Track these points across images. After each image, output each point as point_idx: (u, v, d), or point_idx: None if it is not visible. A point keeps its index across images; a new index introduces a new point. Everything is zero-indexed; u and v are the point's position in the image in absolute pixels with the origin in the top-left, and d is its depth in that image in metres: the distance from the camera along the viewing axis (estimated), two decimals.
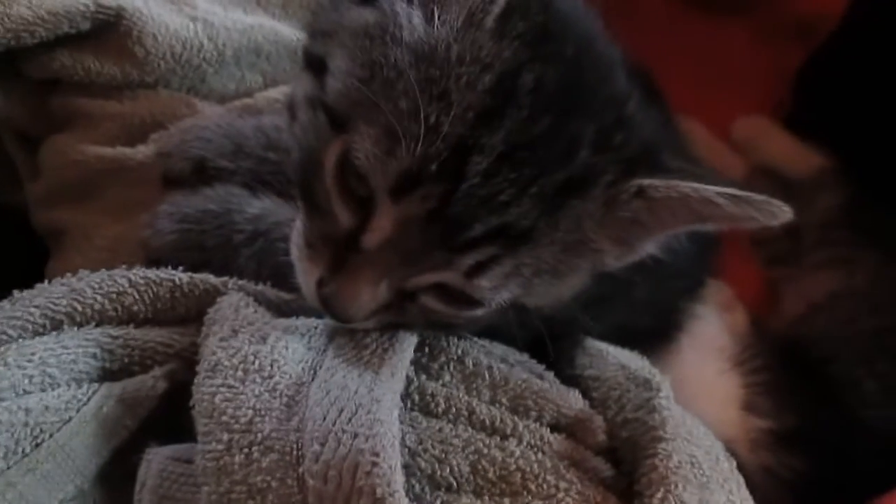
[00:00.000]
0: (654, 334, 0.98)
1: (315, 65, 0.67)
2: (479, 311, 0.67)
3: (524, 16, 0.62)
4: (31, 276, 0.93)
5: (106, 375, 0.67)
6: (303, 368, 0.63)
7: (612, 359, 0.80)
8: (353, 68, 0.63)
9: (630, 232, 0.67)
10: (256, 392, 0.61)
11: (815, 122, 1.47)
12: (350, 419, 0.57)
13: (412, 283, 0.65)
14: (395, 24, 0.62)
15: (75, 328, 0.68)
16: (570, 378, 0.80)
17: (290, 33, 1.05)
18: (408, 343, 0.67)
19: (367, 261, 0.63)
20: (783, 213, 0.61)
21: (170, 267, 0.75)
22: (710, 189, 0.61)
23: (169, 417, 0.69)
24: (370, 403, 0.58)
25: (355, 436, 0.56)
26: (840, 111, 1.43)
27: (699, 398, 0.97)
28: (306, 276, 0.67)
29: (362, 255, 0.63)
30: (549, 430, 0.70)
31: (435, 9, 0.62)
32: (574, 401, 0.73)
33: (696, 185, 0.62)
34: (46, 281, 0.89)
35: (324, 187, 0.64)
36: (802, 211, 1.46)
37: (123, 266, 0.73)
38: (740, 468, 0.82)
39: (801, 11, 1.44)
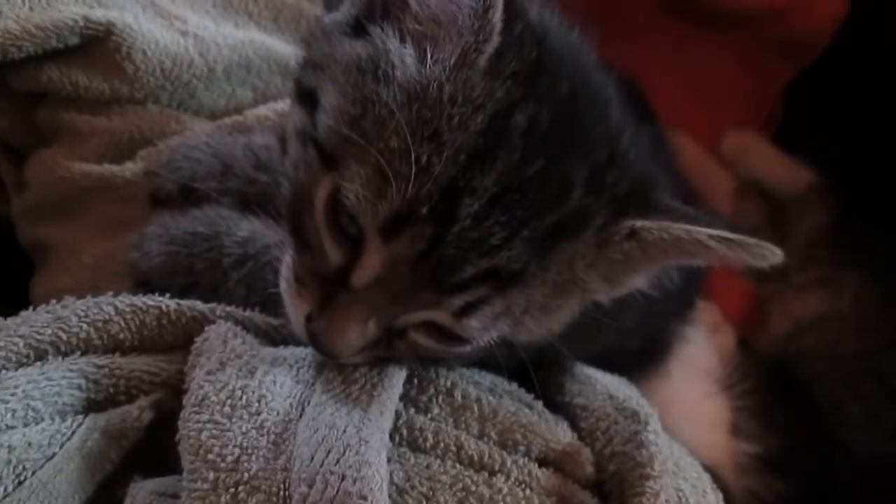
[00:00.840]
0: (643, 356, 0.99)
1: (306, 98, 0.66)
2: (468, 348, 0.66)
3: (518, 54, 0.62)
4: (15, 289, 0.93)
5: (91, 406, 0.67)
6: (290, 404, 0.63)
7: (601, 387, 0.80)
8: (345, 105, 0.62)
9: (620, 270, 0.67)
10: (244, 429, 0.60)
11: (805, 138, 1.48)
12: (338, 460, 0.57)
13: (401, 321, 0.64)
14: (386, 62, 0.62)
15: (60, 358, 0.67)
16: (558, 405, 0.80)
17: (282, 48, 1.04)
18: (397, 378, 0.67)
19: (357, 298, 0.62)
20: (774, 255, 0.61)
21: (158, 290, 0.75)
22: (703, 231, 0.61)
23: (154, 446, 0.68)
24: (358, 444, 0.58)
25: (343, 477, 0.56)
26: (829, 128, 1.44)
27: (686, 422, 0.97)
28: (295, 311, 0.66)
29: (351, 293, 0.62)
30: (536, 464, 0.70)
31: (428, 47, 0.61)
32: (562, 434, 0.73)
33: (688, 227, 0.62)
34: (31, 299, 0.89)
35: (314, 224, 0.63)
36: (790, 228, 1.48)
37: (110, 293, 0.72)
38: (726, 492, 0.82)
39: (791, 29, 1.44)
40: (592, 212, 0.63)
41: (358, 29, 0.66)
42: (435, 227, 0.58)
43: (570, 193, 0.62)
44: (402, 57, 0.62)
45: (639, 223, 0.63)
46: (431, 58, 0.61)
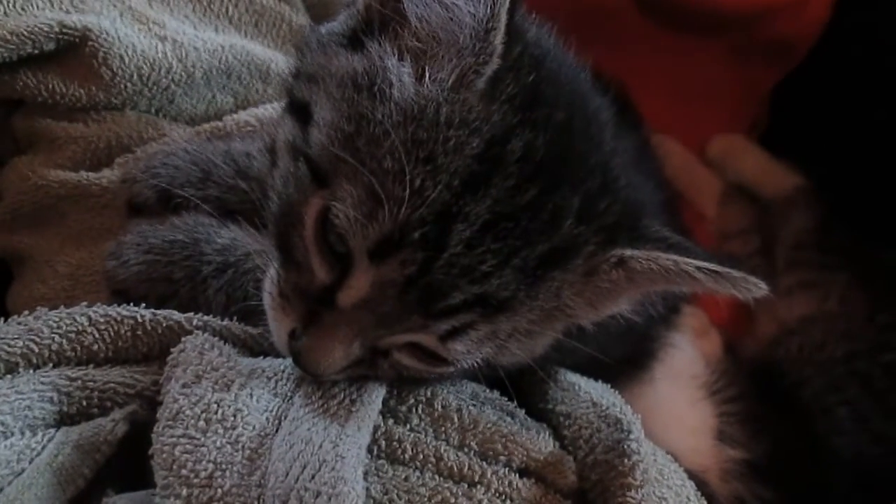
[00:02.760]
0: (629, 363, 0.98)
1: (298, 110, 0.64)
2: (451, 369, 0.66)
3: (515, 77, 0.60)
4: None
5: (63, 419, 0.65)
6: (267, 418, 0.62)
7: (584, 395, 0.79)
8: (339, 121, 0.60)
9: (606, 296, 0.66)
10: (218, 444, 0.59)
11: (791, 140, 1.48)
12: (313, 476, 0.56)
13: (386, 342, 0.64)
14: (383, 79, 0.60)
15: (31, 370, 0.66)
16: (542, 412, 0.79)
17: (263, 53, 1.03)
18: (376, 394, 0.66)
19: (342, 318, 0.61)
20: (759, 289, 0.61)
21: (135, 299, 0.73)
22: (691, 263, 0.60)
23: (128, 459, 0.67)
24: (334, 460, 0.57)
25: (318, 494, 0.55)
26: (815, 132, 1.44)
27: (672, 427, 0.97)
28: (278, 326, 0.65)
29: (337, 313, 0.61)
30: (517, 475, 0.69)
31: (426, 66, 0.59)
32: (544, 443, 0.72)
33: (676, 258, 0.61)
34: (8, 309, 0.88)
35: (302, 241, 0.62)
36: (777, 231, 1.47)
37: (84, 303, 0.71)
38: (711, 499, 0.82)
39: (777, 33, 1.44)
40: (583, 241, 0.63)
41: (355, 42, 0.64)
42: (426, 252, 0.57)
43: (562, 223, 0.61)
44: (400, 75, 0.60)
45: (628, 252, 0.63)
46: (429, 77, 0.59)
